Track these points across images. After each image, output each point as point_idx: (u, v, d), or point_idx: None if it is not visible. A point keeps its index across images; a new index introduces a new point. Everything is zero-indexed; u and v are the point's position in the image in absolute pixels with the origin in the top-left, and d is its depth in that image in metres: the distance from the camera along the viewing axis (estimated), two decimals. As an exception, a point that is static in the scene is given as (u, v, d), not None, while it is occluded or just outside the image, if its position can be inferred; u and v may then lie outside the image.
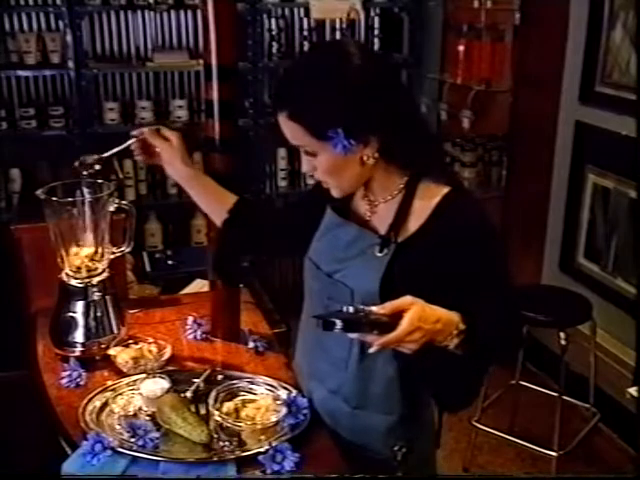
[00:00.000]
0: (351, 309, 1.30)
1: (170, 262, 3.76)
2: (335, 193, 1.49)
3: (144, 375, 1.67)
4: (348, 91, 1.35)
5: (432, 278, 1.38)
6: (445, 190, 1.43)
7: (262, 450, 1.45)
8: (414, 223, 1.43)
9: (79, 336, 1.84)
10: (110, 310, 1.88)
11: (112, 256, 1.92)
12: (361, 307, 1.30)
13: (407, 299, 1.29)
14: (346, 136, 1.35)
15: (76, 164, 1.75)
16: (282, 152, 4.03)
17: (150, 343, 1.85)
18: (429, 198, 1.43)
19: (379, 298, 1.40)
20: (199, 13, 3.46)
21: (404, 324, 1.27)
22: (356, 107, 1.35)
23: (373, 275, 1.43)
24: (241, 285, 2.06)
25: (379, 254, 1.44)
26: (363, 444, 1.55)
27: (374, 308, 1.29)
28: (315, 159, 1.42)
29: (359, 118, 1.35)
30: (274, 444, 1.45)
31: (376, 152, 1.40)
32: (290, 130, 1.40)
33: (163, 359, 1.80)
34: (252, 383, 1.66)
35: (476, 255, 1.40)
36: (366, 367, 1.52)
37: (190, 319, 2.00)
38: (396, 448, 1.49)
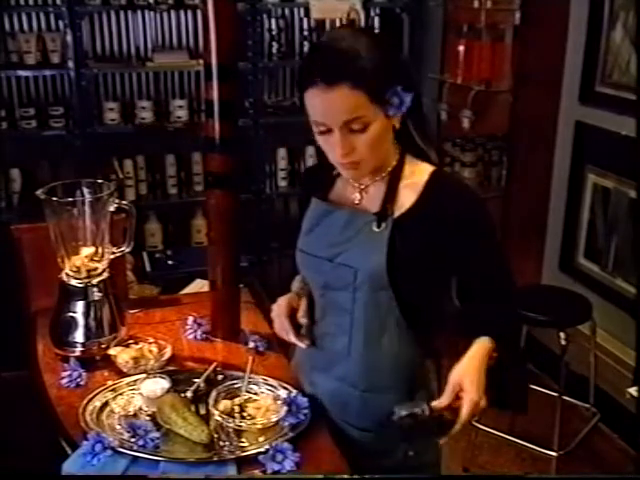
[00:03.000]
0: (417, 410, 1.41)
1: (170, 262, 3.77)
2: (362, 172, 1.50)
3: (144, 375, 1.67)
4: (392, 53, 1.47)
5: (433, 252, 1.46)
6: (430, 168, 1.51)
7: (262, 450, 1.45)
8: (407, 199, 1.49)
9: (79, 336, 1.84)
10: (110, 310, 1.88)
11: (112, 256, 1.92)
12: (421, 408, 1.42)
13: (452, 379, 1.44)
14: (402, 93, 1.42)
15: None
16: (282, 152, 4.03)
17: (150, 343, 1.85)
18: (417, 175, 1.50)
19: (386, 275, 1.45)
20: (199, 13, 3.47)
21: (464, 412, 1.44)
22: (402, 67, 1.46)
23: (376, 251, 1.46)
24: (241, 285, 2.06)
25: (377, 230, 1.48)
26: (373, 427, 1.56)
27: (434, 403, 1.42)
28: (361, 135, 1.41)
29: (407, 75, 1.45)
30: (274, 444, 1.45)
31: (400, 119, 1.47)
32: (349, 102, 1.38)
33: (163, 359, 1.80)
34: (252, 383, 1.66)
35: (472, 227, 1.48)
36: (370, 351, 1.54)
37: (190, 319, 2.00)
38: None
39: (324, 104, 1.40)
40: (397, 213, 1.48)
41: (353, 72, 1.37)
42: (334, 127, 1.41)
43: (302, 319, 1.63)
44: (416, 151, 1.52)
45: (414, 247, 1.46)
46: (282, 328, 1.66)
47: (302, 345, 1.64)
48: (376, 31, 4.09)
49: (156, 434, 1.48)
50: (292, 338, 1.64)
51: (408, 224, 1.47)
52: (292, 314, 1.65)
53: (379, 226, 1.48)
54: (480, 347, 1.47)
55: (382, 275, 1.46)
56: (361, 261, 1.48)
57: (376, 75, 1.39)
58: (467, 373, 1.44)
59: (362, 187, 1.55)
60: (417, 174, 1.50)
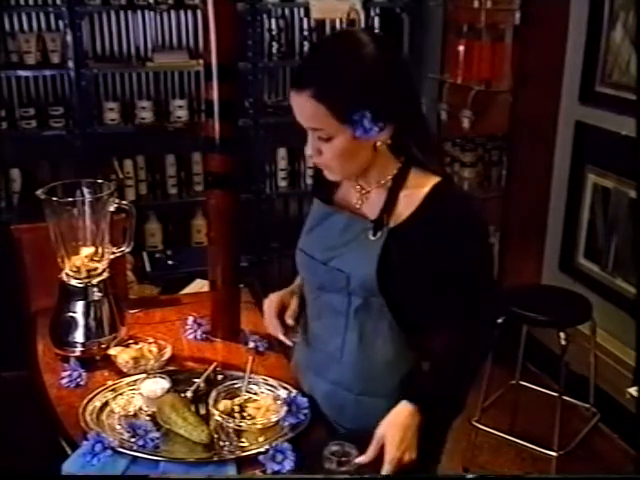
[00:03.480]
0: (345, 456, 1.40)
1: (170, 262, 3.77)
2: (333, 177, 1.51)
3: (144, 375, 1.67)
4: (376, 75, 1.38)
5: (425, 264, 1.45)
6: (435, 180, 1.48)
7: (262, 450, 1.45)
8: (406, 209, 1.47)
9: (79, 336, 1.85)
10: (110, 310, 1.88)
11: (112, 256, 1.92)
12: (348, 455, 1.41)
13: (378, 433, 1.43)
14: (371, 120, 1.37)
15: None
16: (282, 152, 4.03)
17: (150, 343, 1.85)
18: (420, 186, 1.48)
19: (377, 284, 1.45)
20: (199, 13, 3.47)
21: (384, 469, 1.41)
22: (382, 91, 1.39)
23: (369, 259, 1.46)
24: (241, 285, 2.06)
25: (372, 238, 1.47)
26: (368, 431, 1.54)
27: (359, 459, 1.40)
28: (327, 144, 1.42)
29: (385, 103, 1.39)
30: (274, 444, 1.45)
31: (389, 138, 1.44)
32: (311, 110, 1.38)
33: (163, 359, 1.80)
34: (252, 383, 1.66)
35: (465, 243, 1.45)
36: (363, 354, 1.54)
37: (190, 319, 2.00)
38: None
39: (294, 105, 1.42)
40: (394, 222, 1.47)
41: (316, 83, 1.37)
42: (305, 128, 1.44)
43: (288, 319, 1.63)
44: (418, 163, 1.50)
45: (408, 257, 1.46)
46: (270, 324, 1.66)
47: (288, 343, 1.65)
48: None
49: (156, 434, 1.48)
50: (279, 335, 1.64)
51: (403, 234, 1.46)
52: (283, 311, 1.65)
53: (375, 234, 1.47)
54: (405, 407, 1.46)
55: (372, 283, 1.46)
56: (353, 267, 1.48)
57: (341, 93, 1.37)
58: (390, 429, 1.44)
59: (363, 192, 1.54)
60: (420, 185, 1.48)
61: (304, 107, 1.39)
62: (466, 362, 1.55)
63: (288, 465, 1.42)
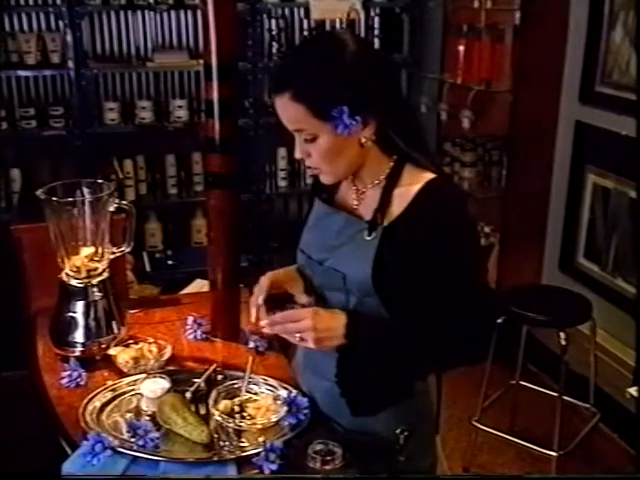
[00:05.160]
0: None
1: (170, 262, 3.77)
2: (327, 179, 1.51)
3: (144, 375, 1.67)
4: (351, 70, 1.40)
5: (418, 262, 1.43)
6: (429, 176, 1.47)
7: (262, 450, 1.45)
8: (398, 207, 1.47)
9: (79, 336, 1.85)
10: (110, 310, 1.88)
11: (112, 256, 1.92)
12: None
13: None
14: (350, 114, 1.37)
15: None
16: (282, 152, 4.03)
17: (150, 343, 1.85)
18: (413, 184, 1.47)
19: (372, 282, 1.45)
20: (199, 13, 3.47)
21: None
22: (359, 86, 1.40)
23: (364, 259, 1.46)
24: (241, 285, 2.06)
25: (368, 238, 1.47)
26: (367, 431, 1.55)
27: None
28: (313, 144, 1.43)
29: (362, 97, 1.40)
30: (267, 444, 1.44)
31: (373, 134, 1.44)
32: (292, 112, 1.41)
33: (163, 359, 1.80)
34: (252, 383, 1.66)
35: (449, 241, 1.43)
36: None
37: (190, 319, 2.00)
38: (398, 431, 1.49)
39: (277, 109, 1.44)
40: (387, 221, 1.46)
41: (294, 84, 1.39)
42: (291, 131, 1.45)
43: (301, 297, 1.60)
44: (412, 160, 1.49)
45: (401, 256, 1.44)
46: (252, 303, 1.60)
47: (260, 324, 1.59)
48: (377, 31, 4.10)
49: (156, 434, 1.48)
50: (252, 314, 1.58)
51: (397, 233, 1.45)
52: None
53: (370, 234, 1.47)
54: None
55: (368, 283, 1.45)
56: (349, 267, 1.48)
57: (318, 91, 1.38)
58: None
59: (359, 192, 1.54)
60: (414, 182, 1.47)
61: (286, 110, 1.42)
62: (435, 333, 1.47)
63: (278, 465, 1.41)
